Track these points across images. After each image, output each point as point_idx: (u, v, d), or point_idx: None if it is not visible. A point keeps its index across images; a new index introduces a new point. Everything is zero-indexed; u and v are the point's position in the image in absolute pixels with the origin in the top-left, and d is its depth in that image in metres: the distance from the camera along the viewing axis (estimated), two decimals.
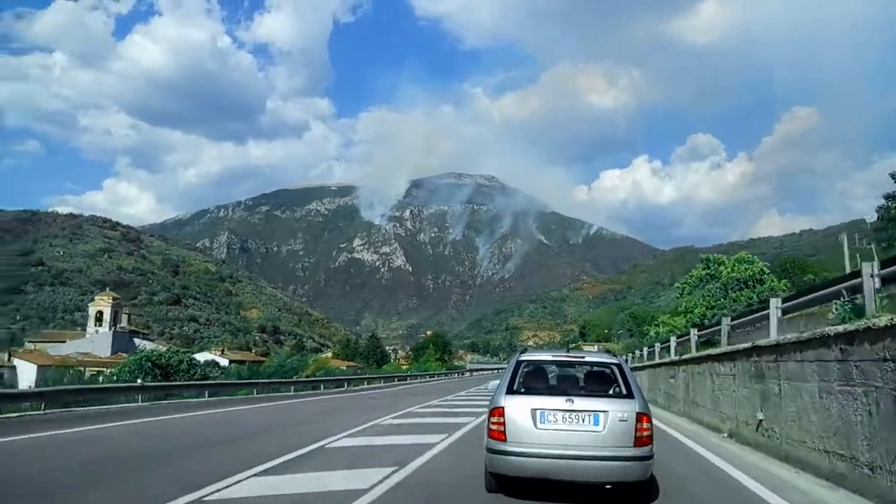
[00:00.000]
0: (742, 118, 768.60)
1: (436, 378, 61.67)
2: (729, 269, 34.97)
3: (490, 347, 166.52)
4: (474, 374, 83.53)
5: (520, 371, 6.83)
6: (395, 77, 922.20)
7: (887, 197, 47.22)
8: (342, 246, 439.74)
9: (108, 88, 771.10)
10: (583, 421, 6.01)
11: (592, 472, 5.93)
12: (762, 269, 34.46)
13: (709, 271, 37.49)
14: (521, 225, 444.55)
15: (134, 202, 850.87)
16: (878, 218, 47.11)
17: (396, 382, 48.11)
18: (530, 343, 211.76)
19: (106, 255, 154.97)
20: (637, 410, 6.03)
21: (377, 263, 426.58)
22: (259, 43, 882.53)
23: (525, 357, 7.08)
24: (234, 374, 37.33)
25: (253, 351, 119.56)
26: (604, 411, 6.01)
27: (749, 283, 33.56)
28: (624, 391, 6.49)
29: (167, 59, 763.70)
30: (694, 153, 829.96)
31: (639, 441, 5.94)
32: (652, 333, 49.26)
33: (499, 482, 6.36)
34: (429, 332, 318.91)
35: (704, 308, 33.34)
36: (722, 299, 32.78)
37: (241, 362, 59.70)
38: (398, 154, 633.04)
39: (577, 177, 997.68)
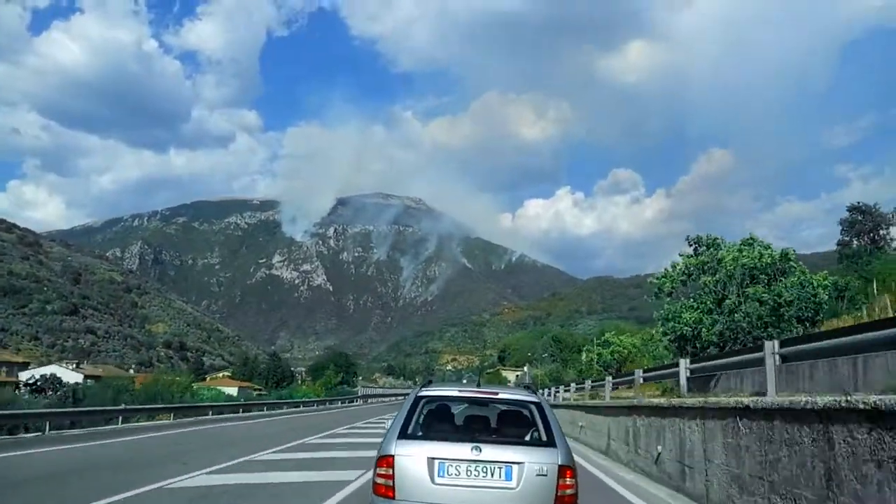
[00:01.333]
0: (662, 156, 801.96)
1: (300, 409, 42.34)
2: (734, 255, 23.27)
3: (406, 371, 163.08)
4: (371, 401, 66.80)
5: (418, 409, 5.48)
6: (327, 94, 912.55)
7: (851, 209, 45.42)
8: (261, 261, 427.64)
9: (20, 84, 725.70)
10: (492, 475, 4.80)
11: None
12: (786, 255, 23.20)
13: (701, 259, 24.40)
14: (446, 248, 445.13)
15: (40, 206, 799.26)
16: (842, 231, 46.00)
17: (210, 415, 29.62)
18: (448, 367, 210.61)
19: None
20: (560, 462, 4.85)
21: (296, 281, 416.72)
22: (187, 49, 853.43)
23: (426, 392, 5.65)
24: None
25: (128, 369, 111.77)
26: (518, 463, 4.81)
27: (765, 274, 22.77)
28: (544, 437, 5.26)
29: (86, 58, 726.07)
30: (615, 187, 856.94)
31: (560, 501, 4.73)
32: (584, 358, 45.70)
33: None
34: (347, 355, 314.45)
35: (699, 314, 22.46)
36: (730, 298, 22.37)
37: (97, 378, 53.97)
38: (325, 170, 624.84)
39: (502, 204, 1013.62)
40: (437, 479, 4.81)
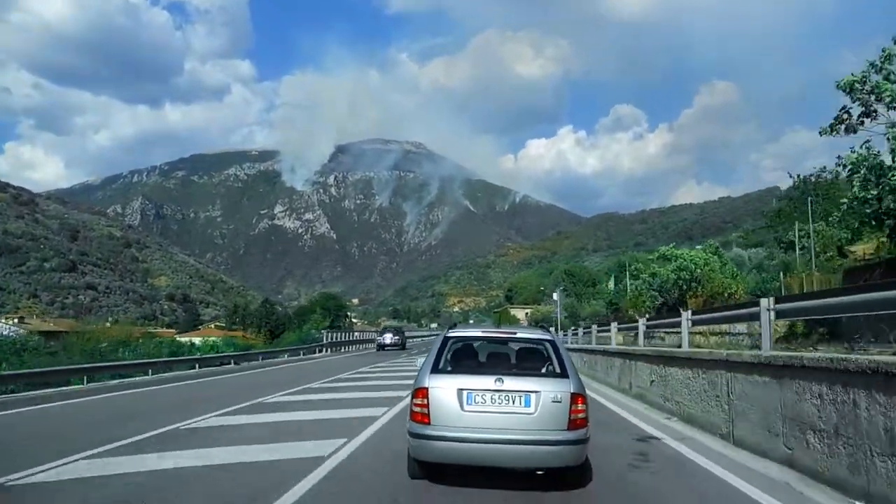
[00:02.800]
0: (664, 90, 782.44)
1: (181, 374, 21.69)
2: None
3: (412, 313, 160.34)
4: (346, 350, 44.34)
5: (447, 348, 6.40)
6: (320, 40, 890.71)
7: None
8: (263, 212, 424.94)
9: (6, 42, 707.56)
10: (513, 402, 5.60)
11: (523, 457, 5.51)
12: None
13: None
14: (449, 192, 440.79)
15: (39, 166, 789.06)
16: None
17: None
18: (455, 309, 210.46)
19: None
20: (571, 391, 5.65)
21: (300, 230, 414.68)
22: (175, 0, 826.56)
23: (453, 333, 6.66)
24: None
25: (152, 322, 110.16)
26: (535, 392, 5.60)
27: None
28: (558, 370, 6.13)
29: (72, 11, 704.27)
30: (617, 124, 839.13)
31: (573, 424, 5.56)
32: (611, 287, 36.72)
33: (423, 469, 5.85)
34: (354, 301, 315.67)
35: None
36: None
37: (54, 334, 46.84)
38: (323, 118, 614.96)
39: (504, 146, 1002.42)
40: (466, 407, 5.53)
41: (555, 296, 68.52)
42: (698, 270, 25.21)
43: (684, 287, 25.70)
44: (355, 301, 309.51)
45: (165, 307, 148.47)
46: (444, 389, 5.60)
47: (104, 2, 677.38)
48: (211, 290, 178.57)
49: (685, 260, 26.14)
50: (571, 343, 29.46)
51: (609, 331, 20.84)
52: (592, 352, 20.59)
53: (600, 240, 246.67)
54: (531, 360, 6.46)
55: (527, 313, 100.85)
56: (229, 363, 27.29)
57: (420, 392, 5.66)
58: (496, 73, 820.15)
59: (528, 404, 5.50)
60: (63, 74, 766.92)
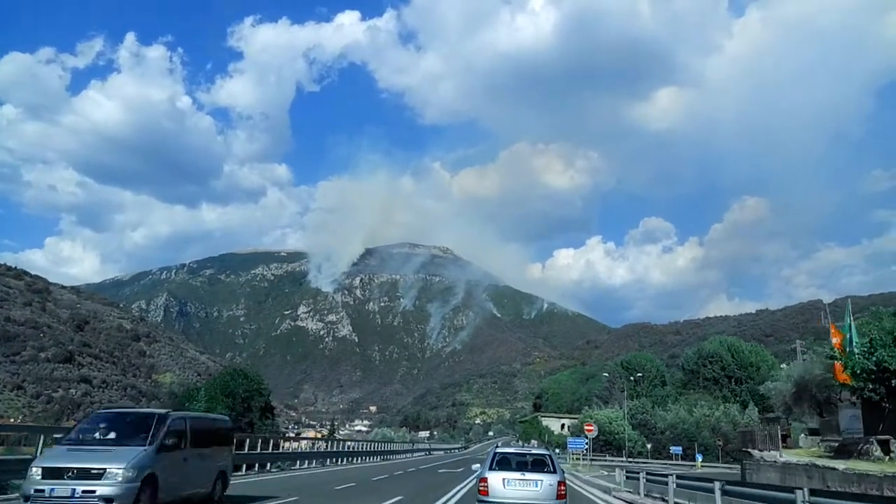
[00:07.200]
0: (694, 204, 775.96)
1: None
2: None
3: (422, 422, 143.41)
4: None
5: (495, 457, 12.37)
6: (356, 147, 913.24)
7: None
8: (286, 313, 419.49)
9: (57, 143, 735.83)
10: (529, 485, 11.51)
11: None
12: None
13: None
14: (475, 296, 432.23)
15: (77, 262, 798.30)
16: None
17: None
18: (477, 421, 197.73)
19: None
20: (558, 480, 11.59)
21: (322, 332, 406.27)
22: (219, 106, 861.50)
23: (498, 450, 12.88)
24: None
25: None
26: (540, 479, 11.55)
27: None
28: (552, 469, 11.96)
29: (122, 116, 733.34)
30: (647, 236, 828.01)
31: (559, 496, 11.48)
32: None
33: None
34: (372, 408, 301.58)
35: None
36: None
37: None
38: (353, 222, 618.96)
39: (531, 254, 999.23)
40: (506, 487, 11.54)
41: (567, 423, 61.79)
42: None
43: None
44: (373, 409, 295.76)
45: (169, 405, 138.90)
46: (495, 478, 11.60)
47: (153, 106, 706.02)
48: None
49: None
50: None
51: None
52: None
53: (632, 350, 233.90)
54: (539, 464, 12.18)
55: (563, 424, 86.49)
56: None
57: (483, 480, 11.68)
58: (526, 183, 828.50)
59: (537, 486, 11.44)
60: (107, 174, 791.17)
